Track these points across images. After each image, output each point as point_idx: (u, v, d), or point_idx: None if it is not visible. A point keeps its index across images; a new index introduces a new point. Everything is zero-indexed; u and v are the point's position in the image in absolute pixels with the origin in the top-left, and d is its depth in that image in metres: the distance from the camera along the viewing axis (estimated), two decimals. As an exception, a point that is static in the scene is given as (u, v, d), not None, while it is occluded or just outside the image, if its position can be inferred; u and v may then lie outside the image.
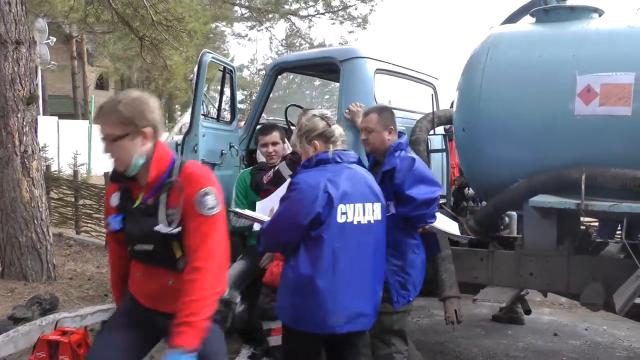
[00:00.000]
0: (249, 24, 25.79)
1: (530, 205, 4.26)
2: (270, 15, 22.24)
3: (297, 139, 3.47)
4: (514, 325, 6.44)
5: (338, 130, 3.43)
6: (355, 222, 3.24)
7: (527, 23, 5.02)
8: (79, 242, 10.21)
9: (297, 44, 24.83)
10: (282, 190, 4.29)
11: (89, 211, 11.21)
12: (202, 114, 5.32)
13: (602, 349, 5.84)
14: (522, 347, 5.85)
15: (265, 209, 3.99)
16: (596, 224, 5.31)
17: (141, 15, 11.45)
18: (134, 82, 38.38)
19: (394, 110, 4.18)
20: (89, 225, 11.08)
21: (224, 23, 27.41)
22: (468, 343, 5.96)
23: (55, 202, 11.75)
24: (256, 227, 3.97)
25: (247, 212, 3.90)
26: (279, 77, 6.20)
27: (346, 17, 22.16)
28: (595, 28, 4.42)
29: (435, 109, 5.71)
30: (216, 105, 5.91)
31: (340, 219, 3.19)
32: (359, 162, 3.50)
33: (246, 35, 30.60)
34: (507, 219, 5.66)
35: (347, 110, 5.09)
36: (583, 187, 3.96)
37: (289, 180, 4.46)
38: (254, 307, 4.80)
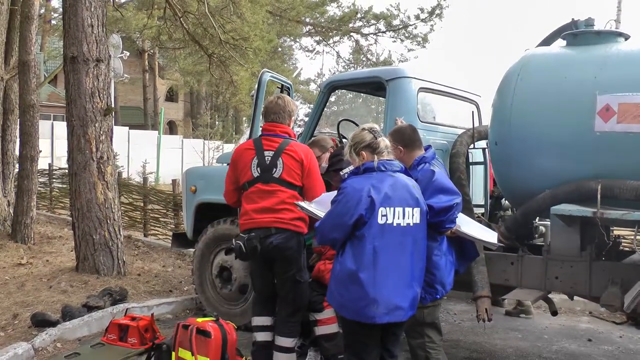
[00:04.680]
0: (316, 38, 26.61)
1: (552, 213, 4.67)
2: (333, 32, 22.94)
3: (348, 149, 3.96)
4: (551, 330, 6.82)
5: (384, 142, 3.88)
6: (394, 224, 3.68)
7: (558, 46, 5.42)
8: (146, 244, 10.90)
9: (364, 61, 25.52)
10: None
11: (156, 215, 11.96)
12: (261, 127, 5.90)
13: (633, 354, 6.13)
14: (555, 350, 6.21)
15: (326, 205, 4.24)
16: (624, 232, 5.66)
17: (210, 35, 12.26)
18: (203, 95, 39.72)
19: (416, 128, 4.54)
20: (156, 228, 11.80)
21: (291, 38, 28.34)
22: (504, 344, 6.35)
23: (125, 207, 12.53)
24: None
25: (312, 207, 4.33)
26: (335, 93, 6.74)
27: (407, 35, 22.76)
28: (617, 51, 4.83)
29: (477, 125, 6.16)
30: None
31: (381, 220, 3.64)
32: (404, 171, 3.92)
33: (313, 49, 31.53)
34: (542, 228, 6.04)
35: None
36: (599, 196, 4.36)
37: None
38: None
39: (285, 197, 4.68)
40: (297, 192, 4.73)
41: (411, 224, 3.75)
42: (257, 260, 4.86)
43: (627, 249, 5.70)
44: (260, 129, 5.83)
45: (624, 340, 6.61)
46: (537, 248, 5.48)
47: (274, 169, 4.72)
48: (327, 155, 5.43)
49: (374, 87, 6.61)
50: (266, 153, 4.77)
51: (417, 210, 3.79)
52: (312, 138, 5.97)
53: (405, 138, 4.39)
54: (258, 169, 4.76)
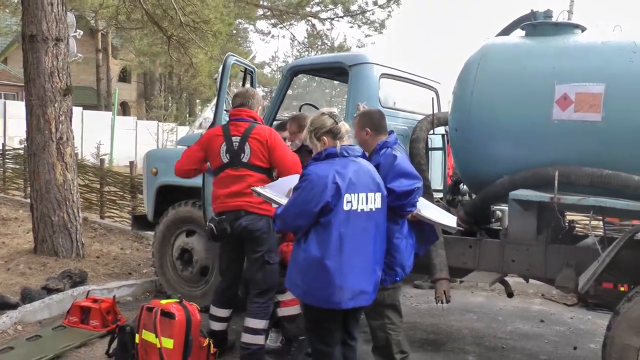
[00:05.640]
0: (272, 21, 26.43)
1: (510, 198, 4.82)
2: (290, 16, 22.86)
3: (307, 134, 3.92)
4: (505, 311, 7.04)
5: (345, 127, 3.86)
6: (359, 210, 3.70)
7: (517, 36, 5.56)
8: (103, 226, 10.74)
9: (319, 45, 25.45)
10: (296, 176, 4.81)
11: (113, 197, 11.79)
12: (225, 110, 5.92)
13: (583, 334, 6.41)
14: (509, 331, 6.43)
15: (282, 190, 4.22)
16: (577, 217, 5.87)
17: (170, 16, 12.10)
18: (157, 76, 39.11)
19: (383, 114, 4.65)
20: (113, 211, 11.67)
21: (247, 21, 28.10)
22: (460, 325, 6.54)
23: (81, 188, 12.29)
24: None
25: (268, 193, 4.26)
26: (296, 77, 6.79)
27: (364, 21, 22.86)
28: (574, 43, 4.99)
29: (436, 111, 6.28)
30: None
31: (346, 207, 3.64)
32: (364, 156, 3.96)
33: (269, 33, 31.31)
34: (499, 213, 6.22)
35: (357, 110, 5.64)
36: (556, 183, 4.52)
37: None
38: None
39: (253, 181, 4.80)
40: (265, 176, 4.90)
41: (373, 209, 3.79)
42: (227, 242, 5.09)
43: (580, 233, 5.90)
44: (225, 112, 5.87)
45: (575, 321, 6.88)
46: (494, 232, 5.64)
47: (242, 154, 4.87)
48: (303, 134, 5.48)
49: (336, 72, 6.67)
50: (234, 139, 4.91)
51: (378, 195, 3.83)
52: (294, 115, 6.01)
53: (374, 122, 4.50)
54: (227, 154, 4.91)
